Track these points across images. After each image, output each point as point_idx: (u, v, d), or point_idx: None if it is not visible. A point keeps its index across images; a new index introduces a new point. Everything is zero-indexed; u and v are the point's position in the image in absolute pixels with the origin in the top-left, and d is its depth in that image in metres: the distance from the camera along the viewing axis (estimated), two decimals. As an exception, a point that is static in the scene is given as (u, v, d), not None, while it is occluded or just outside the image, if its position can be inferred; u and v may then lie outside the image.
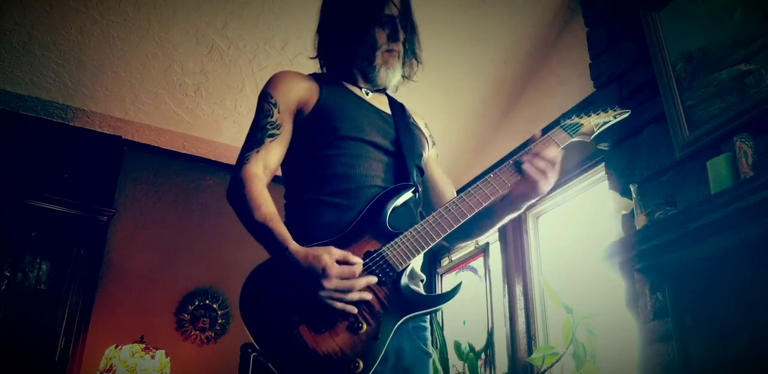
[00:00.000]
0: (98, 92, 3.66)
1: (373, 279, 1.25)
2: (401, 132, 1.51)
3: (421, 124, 1.66)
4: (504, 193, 1.39)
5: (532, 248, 3.55)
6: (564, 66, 3.39)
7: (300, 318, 1.23)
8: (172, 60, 3.50)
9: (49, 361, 3.23)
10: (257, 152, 1.40)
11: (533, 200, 1.42)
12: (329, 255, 1.22)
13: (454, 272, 4.25)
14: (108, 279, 3.75)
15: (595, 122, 1.49)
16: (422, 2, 3.27)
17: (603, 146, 2.75)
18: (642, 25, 2.61)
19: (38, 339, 3.25)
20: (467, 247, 4.07)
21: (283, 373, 1.20)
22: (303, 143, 1.46)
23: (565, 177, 3.23)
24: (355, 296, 1.22)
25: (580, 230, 3.25)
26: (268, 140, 1.41)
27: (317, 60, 1.62)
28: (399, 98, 1.67)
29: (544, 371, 2.95)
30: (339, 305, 1.21)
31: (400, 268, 1.29)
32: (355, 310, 1.22)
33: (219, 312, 3.93)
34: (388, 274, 1.27)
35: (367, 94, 1.57)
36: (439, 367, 3.44)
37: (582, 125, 1.46)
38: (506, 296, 3.56)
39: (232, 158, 1.52)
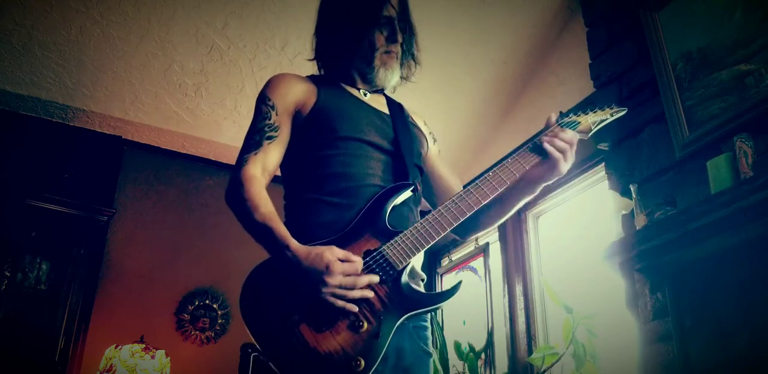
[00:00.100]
0: (98, 92, 3.66)
1: (375, 278, 1.25)
2: (400, 132, 1.51)
3: (420, 122, 1.66)
4: (515, 181, 1.39)
5: (532, 248, 3.55)
6: (564, 66, 3.39)
7: (301, 317, 1.23)
8: (172, 60, 3.50)
9: (49, 361, 3.23)
10: (255, 154, 1.40)
11: (551, 181, 1.44)
12: (331, 253, 1.22)
13: (454, 272, 4.25)
14: (108, 279, 3.75)
15: (593, 120, 1.49)
16: (422, 2, 3.27)
17: (603, 146, 2.75)
18: (642, 25, 2.61)
19: (38, 339, 3.25)
20: (467, 247, 4.07)
21: (284, 372, 1.20)
22: (302, 144, 1.46)
23: (565, 177, 3.22)
24: (357, 293, 1.22)
25: (580, 230, 3.25)
26: (266, 142, 1.42)
27: (315, 62, 1.62)
28: (399, 97, 1.67)
29: (544, 371, 2.95)
30: (340, 303, 1.21)
31: (401, 267, 1.29)
32: (356, 308, 1.23)
33: (219, 312, 3.93)
34: (388, 273, 1.28)
35: (365, 95, 1.58)
36: (439, 367, 3.44)
37: (579, 123, 1.47)
38: (506, 296, 3.56)
39: (232, 158, 1.52)
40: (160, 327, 3.76)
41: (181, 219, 4.11)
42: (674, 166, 2.36)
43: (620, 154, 2.65)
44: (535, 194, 1.48)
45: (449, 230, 1.33)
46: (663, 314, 2.19)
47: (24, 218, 3.43)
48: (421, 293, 1.31)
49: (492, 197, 1.37)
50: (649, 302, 2.27)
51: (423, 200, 1.57)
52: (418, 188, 1.48)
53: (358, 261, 1.24)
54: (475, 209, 1.35)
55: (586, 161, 3.10)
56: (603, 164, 2.89)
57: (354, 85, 1.58)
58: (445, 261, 4.30)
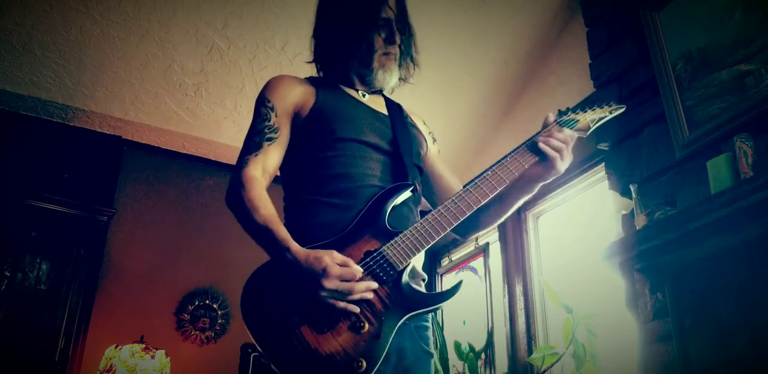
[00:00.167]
0: (98, 92, 3.66)
1: (374, 284, 1.25)
2: (398, 132, 1.52)
3: (419, 123, 1.66)
4: (514, 180, 1.40)
5: (532, 248, 3.55)
6: (564, 66, 3.39)
7: (302, 318, 1.23)
8: (172, 60, 3.50)
9: (49, 361, 3.23)
10: (255, 155, 1.41)
11: (549, 180, 1.44)
12: (330, 257, 1.22)
13: (454, 273, 4.25)
14: (108, 279, 3.75)
15: (591, 118, 1.49)
16: (422, 2, 3.28)
17: (603, 146, 2.75)
18: (642, 25, 2.61)
19: (38, 339, 3.25)
20: (467, 247, 4.07)
21: (285, 374, 1.20)
22: (301, 146, 1.47)
23: (565, 177, 3.23)
24: (355, 297, 1.22)
25: (580, 230, 3.25)
26: (266, 143, 1.42)
27: (314, 64, 1.62)
28: (399, 98, 1.67)
29: (544, 371, 2.95)
30: (341, 304, 1.21)
31: (401, 267, 1.29)
32: (357, 309, 1.23)
33: (219, 312, 3.93)
34: (388, 273, 1.28)
35: (363, 96, 1.58)
36: (439, 367, 3.44)
37: (578, 121, 1.47)
38: (506, 296, 3.56)
39: (232, 158, 1.52)
40: (160, 327, 3.76)
41: (181, 219, 4.11)
42: (674, 166, 2.36)
43: (620, 154, 2.65)
44: (534, 192, 1.48)
45: (449, 229, 1.33)
46: (663, 314, 2.19)
47: (24, 218, 3.43)
48: (422, 293, 1.31)
49: (491, 196, 1.37)
50: (649, 302, 2.27)
51: (423, 200, 1.57)
52: (418, 188, 1.48)
53: (356, 268, 1.24)
54: (475, 208, 1.35)
55: (586, 161, 3.10)
56: (603, 164, 2.89)
57: (352, 86, 1.58)
58: (445, 261, 4.30)
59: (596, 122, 1.50)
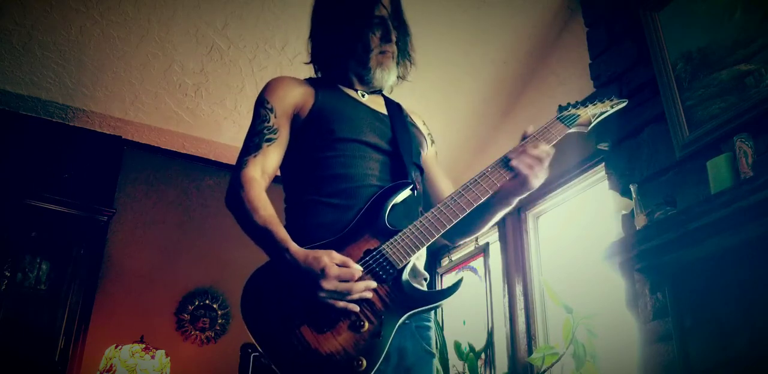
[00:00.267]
0: (98, 92, 3.66)
1: (373, 284, 1.25)
2: (398, 132, 1.52)
3: (419, 123, 1.66)
4: (498, 188, 1.39)
5: (532, 248, 3.55)
6: (564, 66, 3.39)
7: (301, 318, 1.23)
8: (172, 60, 3.50)
9: (49, 361, 3.23)
10: (255, 156, 1.41)
11: (523, 196, 1.43)
12: (329, 257, 1.22)
13: (454, 273, 4.25)
14: (108, 279, 3.75)
15: (592, 113, 1.48)
16: (422, 2, 3.28)
17: (603, 146, 2.75)
18: (642, 25, 2.61)
19: (38, 339, 3.25)
20: (467, 247, 4.07)
21: (286, 374, 1.20)
22: (300, 146, 1.47)
23: (565, 177, 3.24)
24: (354, 297, 1.22)
25: (580, 230, 3.25)
26: (266, 144, 1.42)
27: (313, 65, 1.63)
28: (399, 98, 1.67)
29: (544, 371, 2.95)
30: (341, 303, 1.21)
31: (401, 265, 1.29)
32: (357, 308, 1.22)
33: (219, 312, 3.93)
34: (388, 272, 1.28)
35: (362, 96, 1.58)
36: (439, 367, 3.44)
37: (579, 115, 1.46)
38: (506, 296, 3.56)
39: (232, 158, 1.52)
40: (160, 327, 3.76)
41: (181, 219, 4.11)
42: (674, 166, 2.36)
43: (620, 154, 2.65)
44: (512, 206, 1.47)
45: (449, 227, 1.33)
46: (663, 314, 2.19)
47: (24, 218, 3.43)
48: (422, 291, 1.31)
49: (491, 192, 1.36)
50: (649, 302, 2.27)
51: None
52: (418, 186, 1.48)
53: (355, 268, 1.24)
54: (475, 205, 1.35)
55: (586, 161, 3.10)
56: (603, 164, 2.89)
57: (351, 86, 1.58)
58: (445, 261, 4.30)
59: (597, 117, 1.49)
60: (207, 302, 3.93)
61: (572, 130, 1.48)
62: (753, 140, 1.96)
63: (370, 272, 1.27)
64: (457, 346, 3.52)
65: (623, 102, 1.53)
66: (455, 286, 1.30)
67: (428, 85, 3.58)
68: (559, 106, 1.49)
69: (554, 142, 1.43)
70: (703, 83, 2.31)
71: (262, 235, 1.29)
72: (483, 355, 3.60)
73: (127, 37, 3.37)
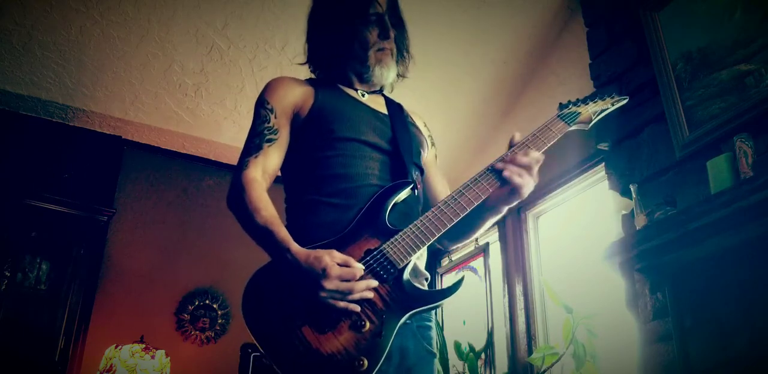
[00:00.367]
0: (98, 92, 3.66)
1: (374, 283, 1.25)
2: (398, 131, 1.51)
3: (420, 123, 1.66)
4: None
5: (532, 248, 3.55)
6: (564, 66, 3.39)
7: (303, 318, 1.22)
8: (172, 60, 3.50)
9: (49, 361, 3.23)
10: (256, 157, 1.41)
11: (513, 204, 1.41)
12: (330, 257, 1.22)
13: (454, 273, 4.25)
14: (108, 279, 3.75)
15: (593, 110, 1.48)
16: (422, 2, 3.28)
17: (603, 146, 2.76)
18: (642, 25, 2.61)
19: (38, 339, 3.25)
20: (467, 247, 4.07)
21: (287, 374, 1.20)
22: (301, 146, 1.47)
23: (565, 177, 3.24)
24: (355, 296, 1.22)
25: (580, 230, 3.25)
26: (266, 145, 1.43)
27: (311, 66, 1.62)
28: (399, 97, 1.67)
29: (544, 371, 2.95)
30: (342, 304, 1.21)
31: (401, 265, 1.28)
32: (358, 308, 1.22)
33: (219, 312, 3.93)
34: (389, 271, 1.27)
35: (363, 95, 1.58)
36: (439, 367, 3.44)
37: (580, 113, 1.46)
38: (506, 296, 3.56)
39: (232, 158, 1.52)
40: (160, 327, 3.76)
41: (181, 219, 4.11)
42: (674, 166, 2.36)
43: (620, 154, 2.65)
44: (502, 214, 1.45)
45: (450, 225, 1.32)
46: (663, 314, 2.19)
47: (24, 218, 3.43)
48: (423, 290, 1.30)
49: (491, 191, 1.35)
50: (649, 302, 2.27)
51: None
52: (418, 186, 1.48)
53: (357, 267, 1.24)
54: (476, 203, 1.34)
55: (586, 161, 3.10)
56: (603, 164, 2.89)
57: (351, 86, 1.58)
58: (445, 261, 4.30)
59: (598, 115, 1.48)
60: (207, 302, 3.93)
61: (573, 128, 1.47)
62: (753, 140, 1.96)
63: (371, 271, 1.26)
64: (457, 346, 3.52)
65: (624, 99, 1.53)
66: (456, 285, 1.30)
67: (428, 85, 3.58)
68: (560, 104, 1.49)
69: (547, 146, 1.40)
70: (703, 83, 2.31)
71: (263, 235, 1.29)
72: (483, 355, 3.61)
73: (127, 37, 3.37)
